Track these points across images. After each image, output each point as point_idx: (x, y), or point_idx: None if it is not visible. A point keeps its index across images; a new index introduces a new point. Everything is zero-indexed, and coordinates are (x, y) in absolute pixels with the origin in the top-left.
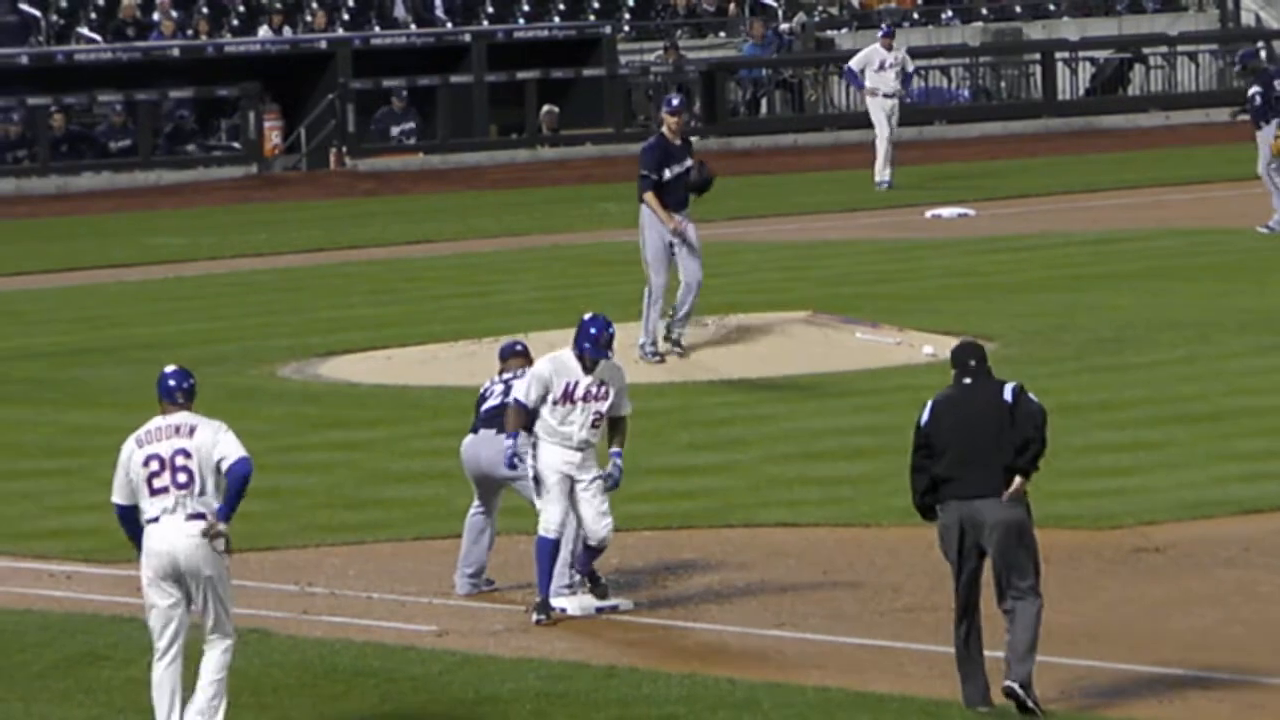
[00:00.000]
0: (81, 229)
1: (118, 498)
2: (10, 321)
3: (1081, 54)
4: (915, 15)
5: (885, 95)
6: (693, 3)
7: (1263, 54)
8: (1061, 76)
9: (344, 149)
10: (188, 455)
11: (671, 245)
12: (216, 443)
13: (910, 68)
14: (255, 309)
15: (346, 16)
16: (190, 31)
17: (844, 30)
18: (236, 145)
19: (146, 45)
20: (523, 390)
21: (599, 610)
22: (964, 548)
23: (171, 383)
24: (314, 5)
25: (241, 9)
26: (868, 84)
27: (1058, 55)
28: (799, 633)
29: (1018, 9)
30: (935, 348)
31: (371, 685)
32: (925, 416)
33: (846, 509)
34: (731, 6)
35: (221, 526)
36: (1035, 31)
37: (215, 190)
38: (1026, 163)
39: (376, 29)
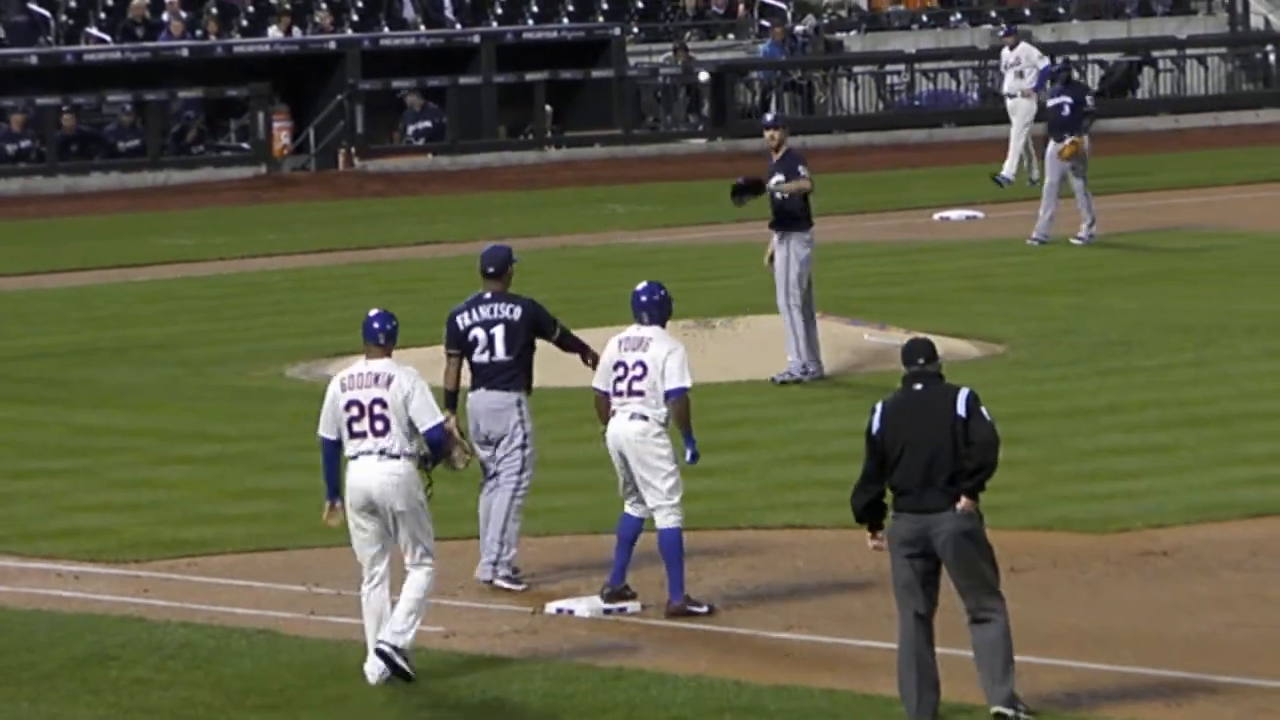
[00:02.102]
0: (90, 229)
1: (323, 431)
2: (19, 321)
3: (1090, 57)
4: (924, 17)
5: (1007, 95)
6: (702, 4)
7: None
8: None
9: (353, 150)
10: (384, 405)
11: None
12: (409, 401)
13: (1042, 64)
14: (264, 309)
15: (355, 17)
16: (199, 32)
17: (853, 33)
18: (245, 146)
19: (155, 45)
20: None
21: (606, 612)
22: (916, 558)
23: (376, 325)
24: (323, 6)
25: (250, 9)
26: (1005, 87)
27: (1067, 58)
28: (806, 635)
29: (1027, 12)
30: (944, 351)
31: (378, 686)
32: (876, 424)
33: None
34: (741, 8)
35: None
36: (1044, 34)
37: (224, 190)
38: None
39: (385, 30)
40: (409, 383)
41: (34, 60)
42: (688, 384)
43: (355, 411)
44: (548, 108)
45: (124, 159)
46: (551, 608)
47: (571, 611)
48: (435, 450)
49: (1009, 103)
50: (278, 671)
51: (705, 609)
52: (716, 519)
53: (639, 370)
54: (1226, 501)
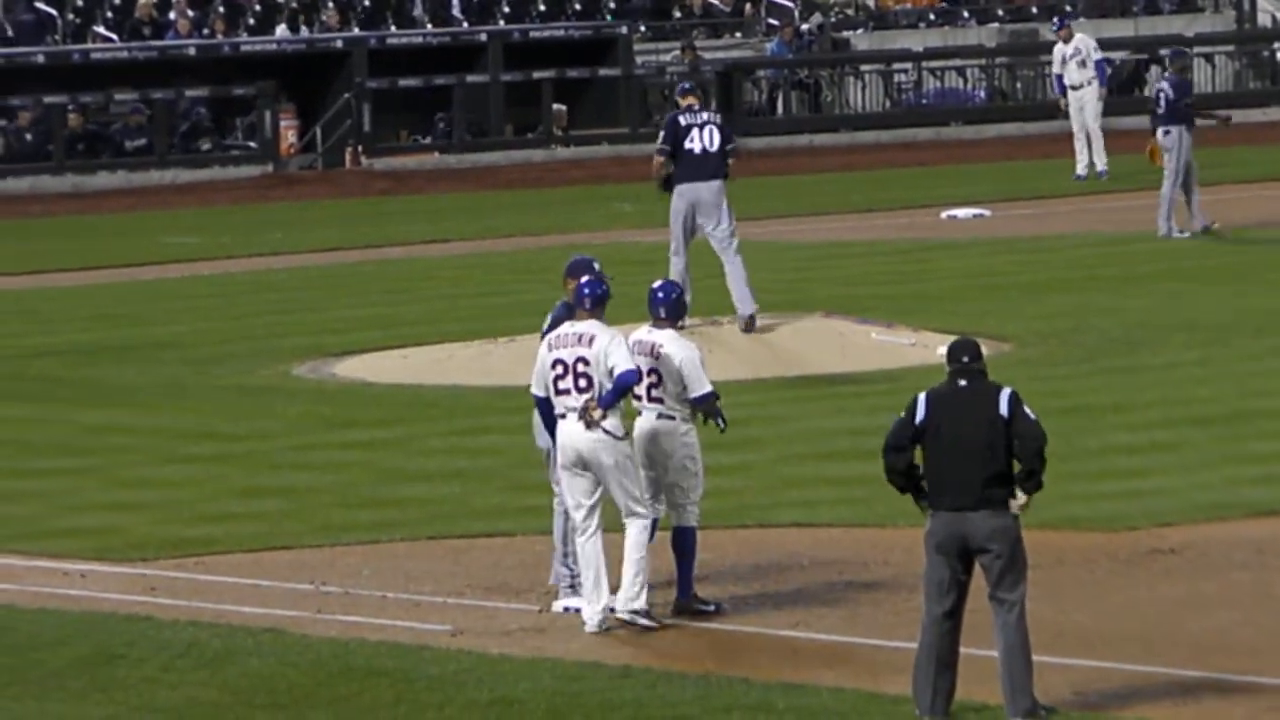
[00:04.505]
0: (97, 228)
1: (535, 390)
2: (26, 320)
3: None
4: (932, 16)
5: (1072, 88)
6: (709, 3)
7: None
8: (1054, 88)
9: (360, 148)
10: (587, 363)
11: None
12: (609, 353)
13: (1096, 55)
14: (270, 308)
15: (362, 16)
16: (206, 30)
17: (860, 31)
18: (252, 144)
19: (163, 44)
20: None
21: (612, 610)
22: (951, 556)
23: (586, 290)
24: (330, 5)
25: (258, 8)
26: (1067, 80)
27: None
28: (813, 633)
29: (1034, 10)
30: (947, 348)
31: (386, 685)
32: (921, 414)
33: (861, 509)
34: (748, 7)
35: (597, 414)
36: (1051, 33)
37: (231, 189)
38: (1042, 163)
39: (393, 28)
40: (608, 338)
41: (41, 59)
42: (708, 388)
43: (560, 370)
44: (563, 107)
45: (131, 158)
46: (559, 606)
47: (578, 610)
48: (617, 393)
49: (1074, 94)
50: (285, 670)
51: (713, 607)
52: (723, 517)
53: (654, 378)
54: (1233, 500)
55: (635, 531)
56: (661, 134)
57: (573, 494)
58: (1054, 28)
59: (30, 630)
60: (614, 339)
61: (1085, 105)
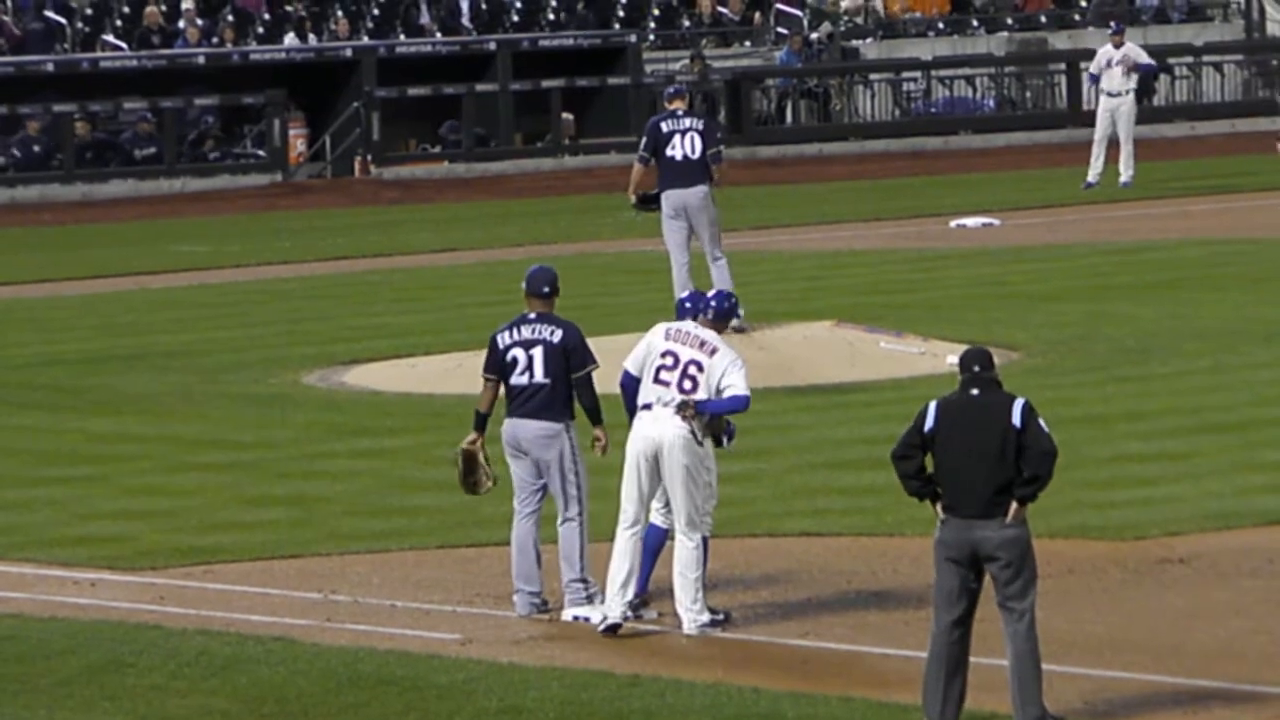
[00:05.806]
0: (106, 236)
1: (629, 365)
2: (34, 329)
3: None
4: (941, 25)
5: (1109, 94)
6: (718, 12)
7: None
8: (1086, 86)
9: (369, 157)
10: (700, 369)
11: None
12: (725, 372)
13: (1144, 61)
14: (280, 317)
15: (371, 25)
16: (215, 39)
17: (869, 40)
18: (261, 153)
19: (171, 53)
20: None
21: (624, 618)
22: (962, 566)
23: (714, 303)
24: (339, 13)
25: (267, 17)
26: (1102, 84)
27: (1082, 65)
28: (823, 642)
29: (1043, 19)
30: (959, 357)
31: (395, 694)
32: (930, 422)
33: (871, 519)
34: (757, 15)
35: (691, 410)
36: (1060, 41)
37: (240, 198)
38: (1051, 172)
39: (401, 37)
40: (730, 359)
41: (50, 67)
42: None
43: (669, 361)
44: (571, 116)
45: (140, 166)
46: (568, 615)
47: (588, 619)
48: (722, 408)
49: (1108, 101)
50: (294, 679)
51: (722, 616)
52: (733, 526)
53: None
54: (1244, 509)
55: (688, 549)
56: (643, 140)
57: (635, 488)
58: (1111, 30)
59: (40, 639)
60: (735, 360)
61: (1119, 115)
